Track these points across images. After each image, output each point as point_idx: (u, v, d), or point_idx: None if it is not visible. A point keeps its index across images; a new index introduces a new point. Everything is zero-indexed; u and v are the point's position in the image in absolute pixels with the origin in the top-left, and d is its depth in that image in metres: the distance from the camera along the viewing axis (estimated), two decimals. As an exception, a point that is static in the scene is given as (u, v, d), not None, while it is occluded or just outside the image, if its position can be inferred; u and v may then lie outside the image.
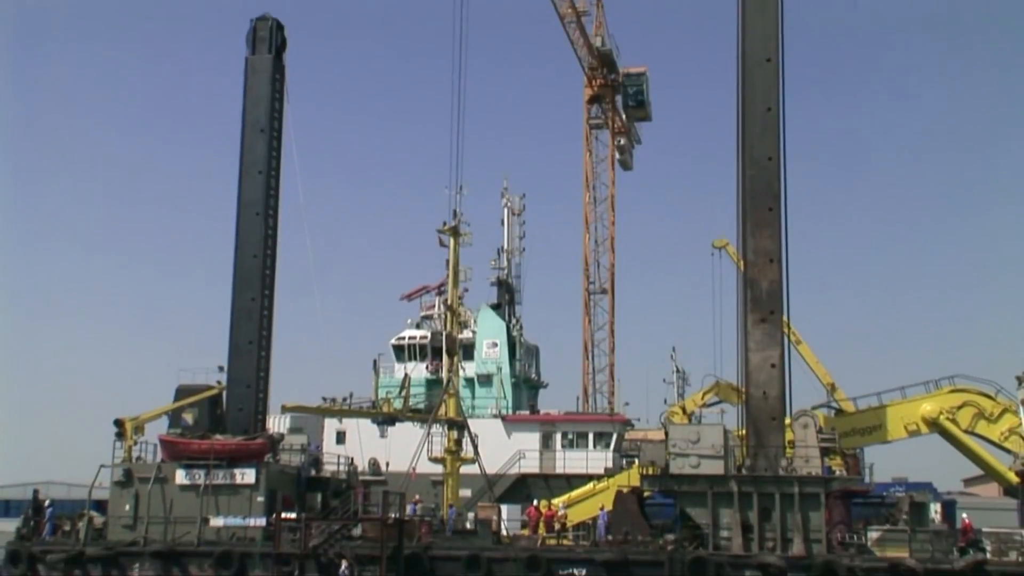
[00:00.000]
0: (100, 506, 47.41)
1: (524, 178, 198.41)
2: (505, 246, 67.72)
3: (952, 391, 47.79)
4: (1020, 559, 38.52)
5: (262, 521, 44.03)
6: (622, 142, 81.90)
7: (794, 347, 49.25)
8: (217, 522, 44.40)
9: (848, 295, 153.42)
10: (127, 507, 45.42)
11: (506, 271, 67.40)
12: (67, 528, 46.68)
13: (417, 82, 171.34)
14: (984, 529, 41.26)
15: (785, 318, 44.01)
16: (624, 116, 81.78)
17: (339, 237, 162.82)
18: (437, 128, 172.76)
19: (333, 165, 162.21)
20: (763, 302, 42.82)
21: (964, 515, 41.44)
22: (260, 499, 44.80)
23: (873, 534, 40.77)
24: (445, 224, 51.70)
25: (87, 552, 44.22)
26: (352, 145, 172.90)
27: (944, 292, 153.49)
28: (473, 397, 61.98)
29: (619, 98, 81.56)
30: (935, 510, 41.80)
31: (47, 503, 48.14)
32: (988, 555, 38.79)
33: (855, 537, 40.81)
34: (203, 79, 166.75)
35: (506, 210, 68.25)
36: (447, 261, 52.29)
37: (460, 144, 51.21)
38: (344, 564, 40.32)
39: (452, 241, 51.94)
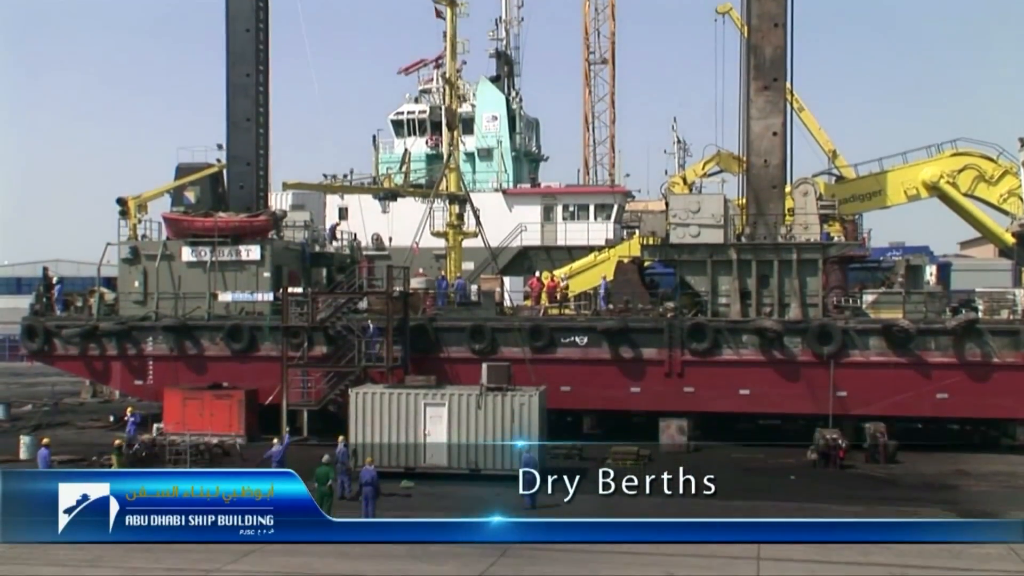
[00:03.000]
0: (109, 283, 48.23)
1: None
2: (503, 16, 65.68)
3: (954, 155, 47.57)
4: (1011, 317, 39.52)
5: (269, 296, 44.89)
6: (623, -98, 78.40)
7: (796, 115, 48.75)
8: (225, 297, 45.28)
9: (854, 61, 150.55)
10: (136, 283, 46.23)
11: (504, 43, 65.69)
12: (79, 304, 47.71)
13: None
14: (977, 289, 42.10)
15: (788, 85, 43.45)
16: None
17: (333, 10, 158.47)
18: None
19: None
20: (766, 69, 42.16)
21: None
22: (266, 275, 45.51)
23: (868, 297, 41.64)
24: (442, -7, 50.27)
25: (101, 326, 45.43)
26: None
27: (949, 55, 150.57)
28: (474, 171, 61.73)
29: None
30: (930, 272, 42.46)
31: (56, 280, 48.96)
32: (980, 314, 39.79)
33: (851, 301, 41.70)
34: None
35: (504, -22, 65.99)
36: (444, 33, 50.99)
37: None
38: (372, 326, 41.65)
39: (449, 12, 50.55)
